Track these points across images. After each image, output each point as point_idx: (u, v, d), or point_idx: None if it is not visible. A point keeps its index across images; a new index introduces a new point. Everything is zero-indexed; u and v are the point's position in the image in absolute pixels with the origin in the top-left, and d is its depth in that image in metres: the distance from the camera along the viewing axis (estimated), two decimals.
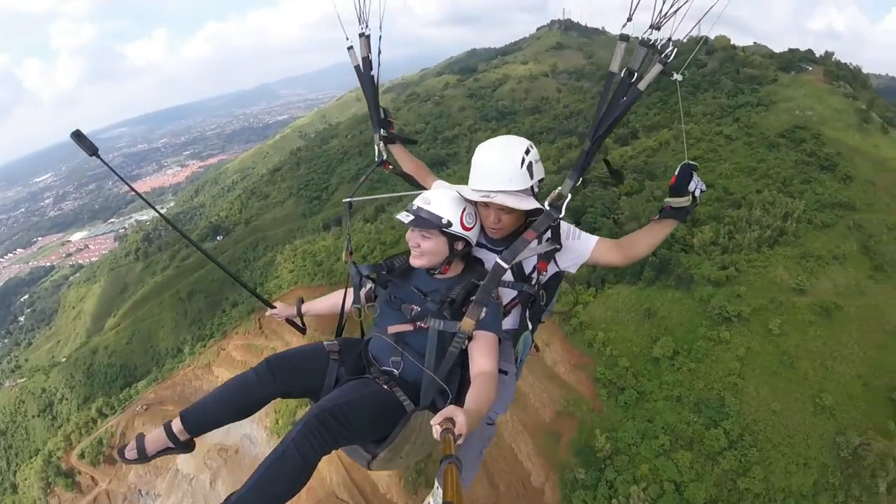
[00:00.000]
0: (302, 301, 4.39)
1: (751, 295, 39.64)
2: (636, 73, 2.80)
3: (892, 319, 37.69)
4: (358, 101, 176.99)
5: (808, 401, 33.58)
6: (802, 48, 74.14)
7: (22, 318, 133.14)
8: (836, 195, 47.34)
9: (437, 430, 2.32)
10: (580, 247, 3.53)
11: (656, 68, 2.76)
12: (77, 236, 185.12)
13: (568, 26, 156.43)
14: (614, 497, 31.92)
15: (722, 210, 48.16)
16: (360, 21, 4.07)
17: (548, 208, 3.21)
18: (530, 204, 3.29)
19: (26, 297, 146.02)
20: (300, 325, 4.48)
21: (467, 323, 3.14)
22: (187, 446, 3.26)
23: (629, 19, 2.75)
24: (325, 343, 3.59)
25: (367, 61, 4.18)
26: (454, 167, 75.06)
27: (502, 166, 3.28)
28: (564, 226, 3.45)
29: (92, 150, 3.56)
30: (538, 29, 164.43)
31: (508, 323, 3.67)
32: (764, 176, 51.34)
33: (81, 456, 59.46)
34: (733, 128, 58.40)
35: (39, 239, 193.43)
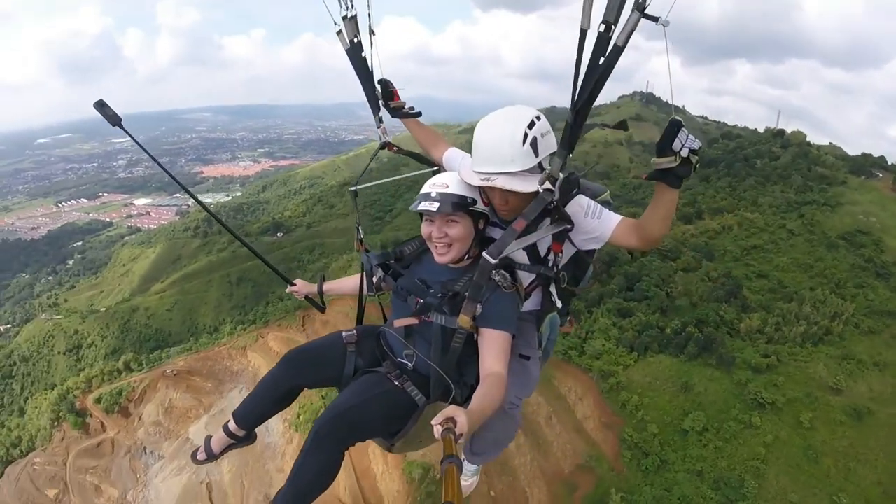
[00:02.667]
0: (323, 279, 4.57)
1: (788, 386, 40.43)
2: (612, 27, 2.45)
3: None
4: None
5: (825, 498, 34.15)
6: (876, 153, 73.52)
7: (70, 262, 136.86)
8: (887, 304, 47.74)
9: (437, 431, 2.34)
10: (600, 226, 3.31)
11: (633, 17, 2.41)
12: (141, 201, 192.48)
13: (649, 100, 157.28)
14: None
15: (774, 301, 49.01)
16: (340, 3, 3.84)
17: (540, 190, 3.08)
18: (533, 186, 3.11)
19: (80, 243, 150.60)
20: (320, 303, 4.63)
21: (463, 319, 3.15)
22: (248, 438, 3.82)
23: None
24: (343, 333, 3.73)
25: (355, 44, 3.99)
26: None
27: (502, 145, 3.12)
28: (584, 201, 3.33)
29: (115, 121, 3.74)
30: (620, 97, 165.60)
31: (530, 305, 3.67)
32: (819, 275, 51.92)
33: (98, 401, 61.50)
34: (797, 223, 58.86)
35: (105, 195, 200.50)
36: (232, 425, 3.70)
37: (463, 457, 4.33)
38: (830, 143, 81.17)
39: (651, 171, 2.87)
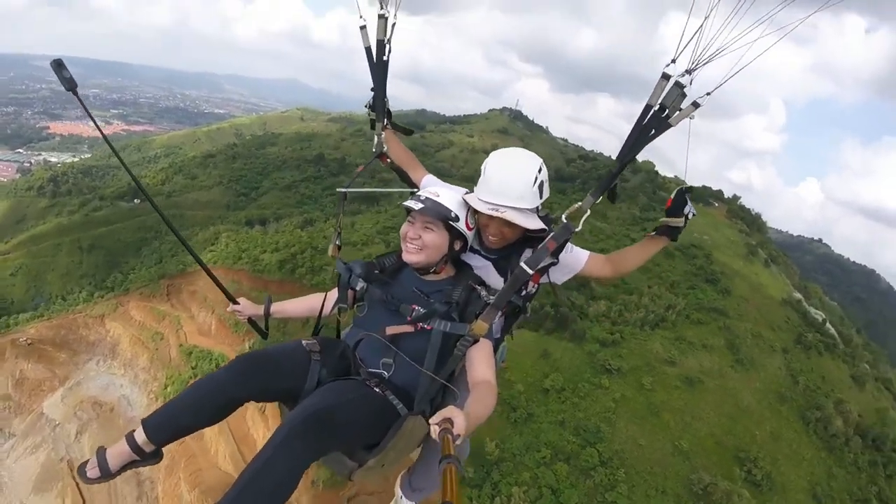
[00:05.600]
0: (270, 300, 4.13)
1: (630, 357, 45.95)
2: (667, 109, 3.07)
3: (743, 400, 44.32)
4: (301, 121, 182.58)
5: (668, 443, 39.12)
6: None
7: None
8: (714, 302, 54.95)
9: (435, 430, 2.31)
10: (572, 260, 3.61)
11: (689, 109, 3.04)
12: None
13: (517, 116, 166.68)
14: (497, 496, 35.12)
15: (617, 293, 54.91)
16: (380, 1, 3.97)
17: (565, 221, 3.24)
18: (536, 223, 3.34)
19: None
20: (264, 328, 4.19)
21: (480, 326, 3.13)
22: (155, 456, 3.01)
23: (673, 61, 2.97)
24: (304, 341, 3.41)
25: (380, 44, 4.09)
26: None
27: (516, 183, 3.31)
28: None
29: (71, 85, 3.51)
30: (490, 110, 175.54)
31: (494, 333, 3.63)
32: (657, 277, 58.37)
33: None
34: (639, 235, 63.95)
35: None
36: (140, 437, 2.91)
37: (400, 493, 4.32)
38: (676, 176, 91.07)
39: (660, 227, 3.65)
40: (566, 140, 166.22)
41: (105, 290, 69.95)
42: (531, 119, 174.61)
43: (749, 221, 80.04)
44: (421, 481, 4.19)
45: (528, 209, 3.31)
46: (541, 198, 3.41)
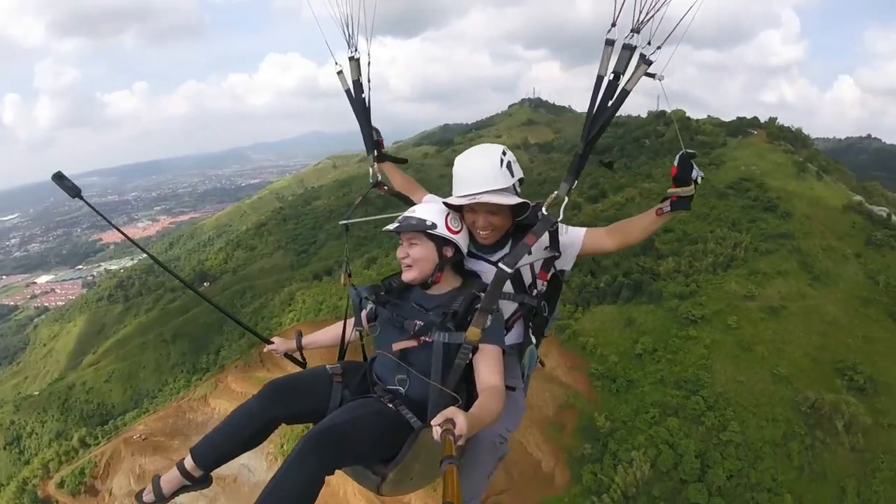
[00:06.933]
0: (301, 335, 4.40)
1: (710, 303, 47.38)
2: (622, 76, 2.94)
3: (829, 314, 45.63)
4: (335, 168, 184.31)
5: (766, 373, 40.75)
6: (750, 117, 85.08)
7: None
8: (778, 228, 55.80)
9: (436, 431, 2.36)
10: (570, 241, 3.56)
11: (641, 69, 2.90)
12: (43, 279, 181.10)
13: (538, 104, 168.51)
14: (619, 464, 36.97)
15: (682, 248, 55.84)
16: (348, 45, 4.22)
17: (545, 213, 3.30)
18: (515, 199, 3.36)
19: None
20: (300, 359, 4.47)
21: (472, 332, 3.13)
22: (204, 481, 3.27)
23: (613, 24, 2.89)
24: (327, 367, 3.60)
25: (357, 84, 4.35)
26: None
27: (483, 168, 3.39)
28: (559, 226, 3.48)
29: (75, 192, 3.63)
30: (510, 106, 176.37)
31: (512, 338, 3.66)
32: (716, 220, 59.11)
33: (61, 485, 56.99)
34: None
35: (3, 278, 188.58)
36: (189, 463, 3.20)
37: None
38: (709, 115, 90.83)
39: (671, 199, 3.25)
40: None
41: (200, 373, 71.57)
42: (552, 103, 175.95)
43: (792, 139, 79.36)
44: (471, 487, 3.98)
45: (502, 189, 3.35)
46: (512, 176, 3.42)
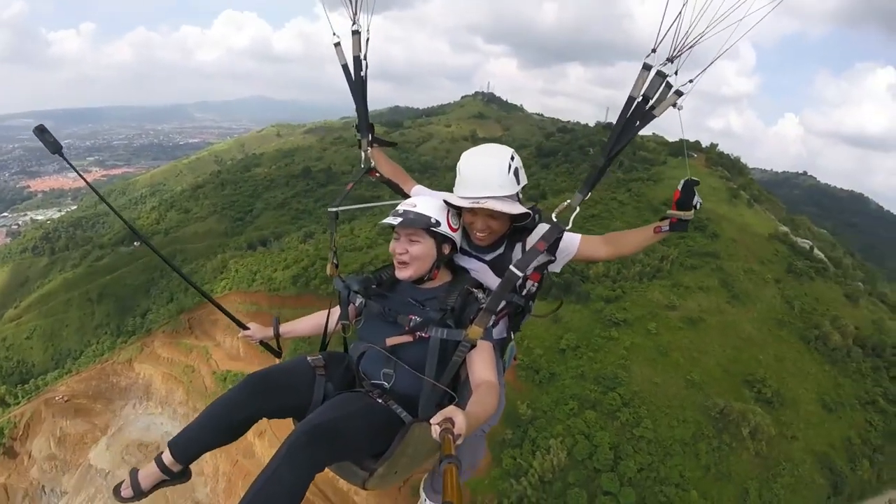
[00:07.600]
0: (278, 321, 4.18)
1: (633, 308, 49.61)
2: (651, 100, 2.98)
3: (745, 331, 48.24)
4: (278, 137, 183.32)
5: (681, 378, 42.85)
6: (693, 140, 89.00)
7: None
8: (705, 247, 58.34)
9: (436, 430, 2.33)
10: (565, 246, 3.50)
11: (671, 98, 2.98)
12: None
13: (490, 99, 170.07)
14: (537, 451, 38.32)
15: None
16: (351, 17, 4.01)
17: (555, 220, 3.25)
18: (518, 208, 3.30)
19: None
20: (276, 347, 4.25)
21: (475, 331, 3.11)
22: (183, 475, 3.13)
23: (653, 50, 2.90)
24: (308, 357, 3.48)
25: (357, 60, 4.11)
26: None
27: (490, 172, 3.32)
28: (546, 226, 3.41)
29: (55, 148, 3.48)
30: (463, 97, 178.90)
31: (495, 334, 3.60)
32: None
33: None
34: (626, 196, 69.26)
35: None
36: (167, 458, 3.02)
37: (424, 497, 4.40)
38: (654, 133, 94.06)
39: (671, 221, 3.45)
40: (542, 115, 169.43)
41: (126, 336, 70.67)
42: (504, 99, 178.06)
43: (729, 166, 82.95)
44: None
45: (507, 196, 3.32)
46: (518, 184, 3.40)
